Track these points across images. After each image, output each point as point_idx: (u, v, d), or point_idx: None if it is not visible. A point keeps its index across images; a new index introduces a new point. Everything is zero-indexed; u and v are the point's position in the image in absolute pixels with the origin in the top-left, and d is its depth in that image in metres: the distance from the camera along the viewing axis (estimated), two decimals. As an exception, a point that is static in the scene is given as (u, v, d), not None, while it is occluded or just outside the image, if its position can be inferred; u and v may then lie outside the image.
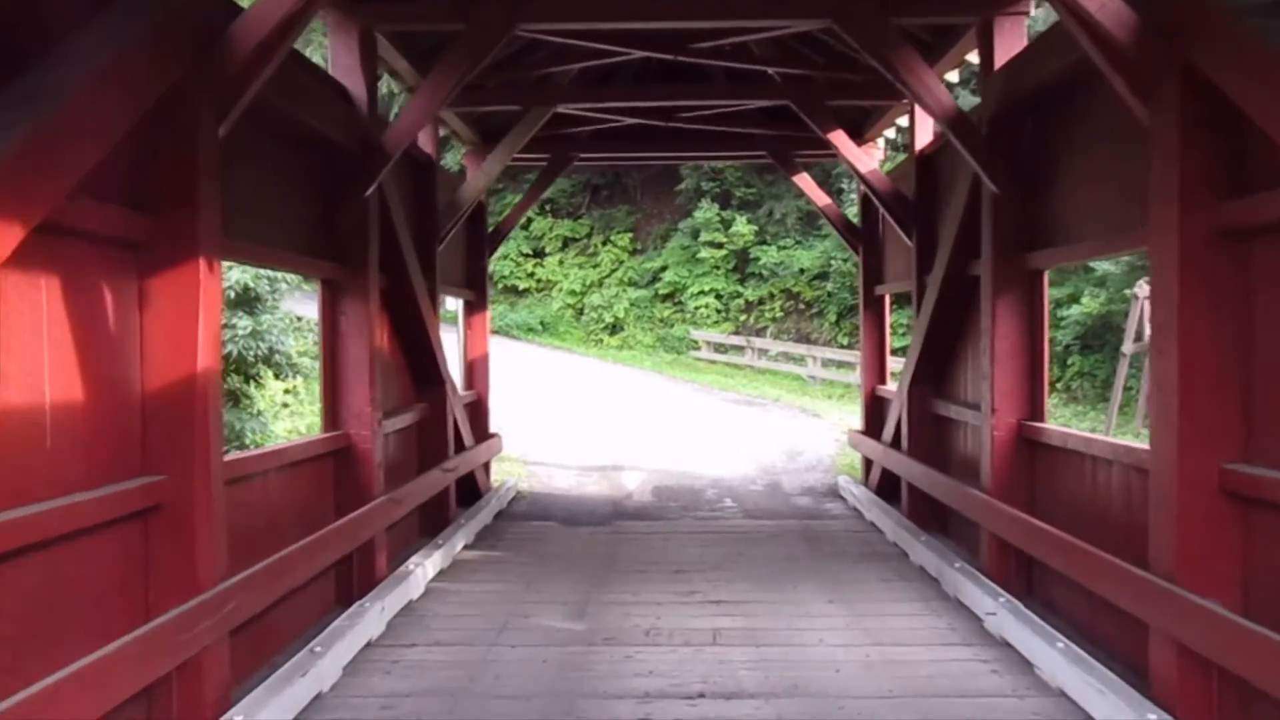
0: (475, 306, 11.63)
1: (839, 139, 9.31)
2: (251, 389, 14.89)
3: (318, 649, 5.19)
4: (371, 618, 5.95)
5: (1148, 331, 16.01)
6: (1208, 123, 4.21)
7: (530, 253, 30.23)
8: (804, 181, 11.73)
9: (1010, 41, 6.84)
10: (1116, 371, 16.12)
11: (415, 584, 6.93)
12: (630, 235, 29.88)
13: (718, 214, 27.16)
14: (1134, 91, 4.54)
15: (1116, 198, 5.46)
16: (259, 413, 14.95)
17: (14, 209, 3.14)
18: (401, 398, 8.42)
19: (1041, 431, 6.52)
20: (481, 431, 11.39)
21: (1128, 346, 15.84)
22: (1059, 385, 19.23)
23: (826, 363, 23.21)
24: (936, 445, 8.87)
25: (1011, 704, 4.91)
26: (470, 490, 10.14)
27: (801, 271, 25.91)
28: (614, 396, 20.30)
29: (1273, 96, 3.67)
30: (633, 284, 28.83)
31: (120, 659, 3.67)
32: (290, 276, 13.40)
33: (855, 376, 21.66)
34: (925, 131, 9.36)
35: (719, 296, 27.29)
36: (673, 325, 27.74)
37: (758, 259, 26.63)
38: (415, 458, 8.74)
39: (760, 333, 26.39)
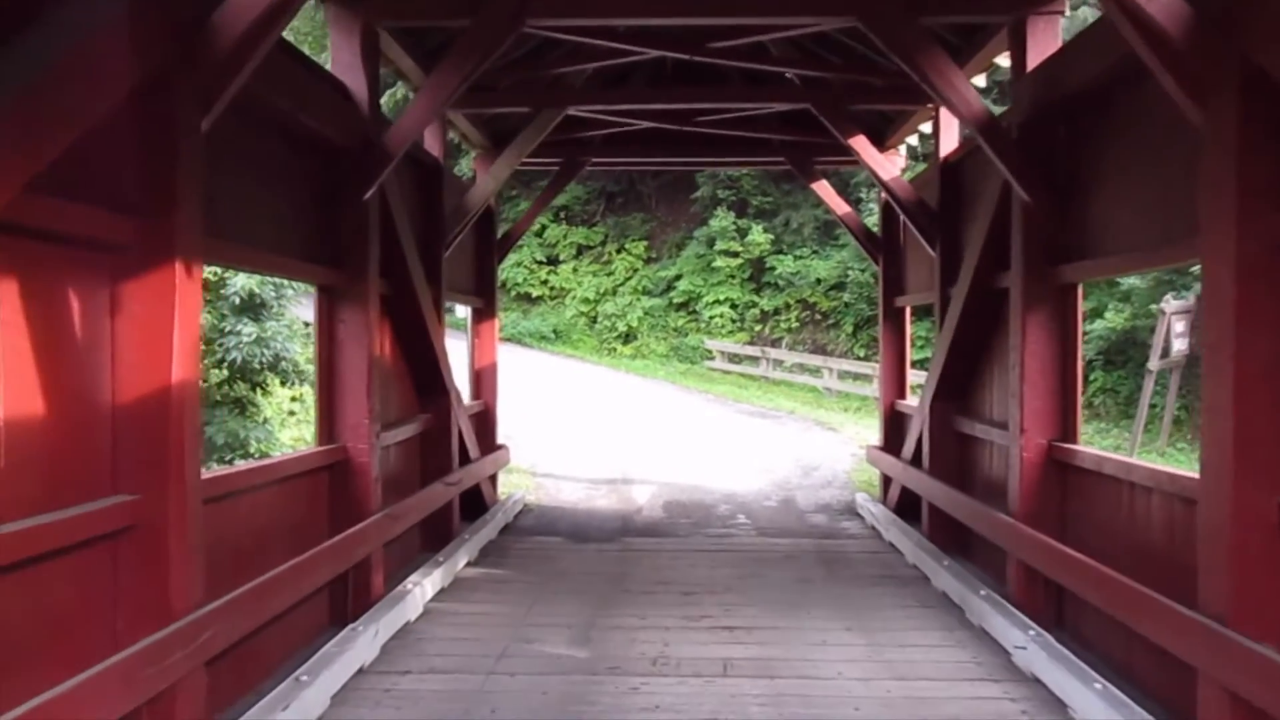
0: (484, 314, 11.34)
1: (860, 144, 8.99)
2: (258, 397, 14.68)
3: (304, 677, 4.88)
4: (364, 642, 5.64)
5: (1175, 348, 15.65)
6: (1268, 124, 3.87)
7: (544, 260, 29.98)
8: (823, 189, 11.39)
9: (1044, 42, 6.50)
10: (1142, 388, 15.68)
11: (413, 604, 6.63)
12: (645, 243, 29.58)
13: (733, 222, 26.84)
14: (1186, 91, 4.20)
15: (1160, 207, 5.12)
16: (265, 421, 14.72)
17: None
18: (403, 408, 8.13)
19: (1074, 454, 6.16)
20: (488, 443, 11.08)
21: (1154, 363, 15.43)
22: (1080, 401, 18.79)
23: (843, 374, 22.82)
24: (959, 464, 8.51)
25: (1045, 750, 4.57)
26: (476, 503, 9.83)
27: (818, 282, 25.54)
28: (626, 406, 19.98)
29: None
30: (647, 292, 28.52)
31: (84, 694, 3.37)
32: (297, 283, 13.18)
33: (872, 389, 21.31)
34: (950, 138, 9.04)
35: (734, 306, 26.94)
36: (687, 335, 27.40)
37: (774, 268, 26.28)
38: (417, 471, 8.44)
39: (775, 343, 26.02)
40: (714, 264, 27.05)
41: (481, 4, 6.39)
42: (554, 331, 28.81)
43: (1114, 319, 17.85)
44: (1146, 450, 15.71)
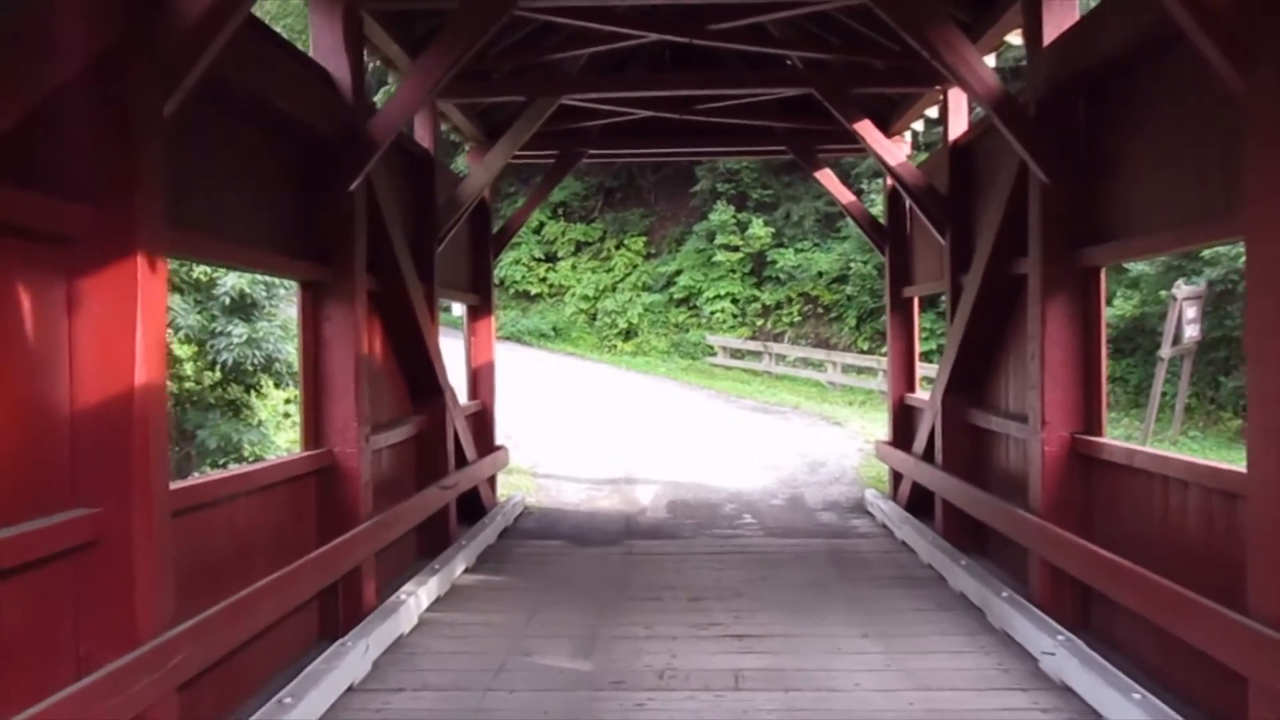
0: (480, 311, 11.02)
1: (866, 129, 8.67)
2: (252, 399, 14.39)
3: (287, 699, 4.58)
4: (354, 658, 5.33)
5: (1186, 334, 15.33)
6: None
7: (542, 257, 29.67)
8: (826, 178, 11.07)
9: (1060, 15, 6.17)
10: (1154, 377, 15.36)
11: (407, 615, 6.32)
12: (644, 239, 29.26)
13: (733, 216, 26.51)
14: (1227, 56, 3.88)
15: (1195, 183, 4.80)
16: (260, 423, 14.42)
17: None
18: (396, 410, 7.82)
19: (1100, 447, 5.85)
20: (486, 444, 10.77)
21: (1165, 350, 15.11)
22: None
23: (846, 368, 22.50)
24: (973, 459, 8.20)
25: (1081, 766, 4.26)
26: (474, 507, 9.53)
27: (820, 274, 25.20)
28: (627, 404, 19.67)
29: None
30: (647, 288, 28.20)
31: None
32: (289, 282, 12.87)
33: (876, 383, 21.02)
34: (958, 121, 8.73)
35: (735, 301, 26.61)
36: (688, 330, 27.08)
37: (775, 262, 25.95)
38: (412, 474, 8.13)
39: (778, 337, 25.70)
40: (714, 258, 26.72)
41: (470, -16, 6.08)
42: (553, 329, 28.50)
43: (1123, 306, 17.53)
44: (1159, 439, 15.40)
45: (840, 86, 8.61)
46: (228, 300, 12.79)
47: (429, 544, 8.11)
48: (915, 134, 11.24)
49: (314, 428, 6.15)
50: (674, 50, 8.96)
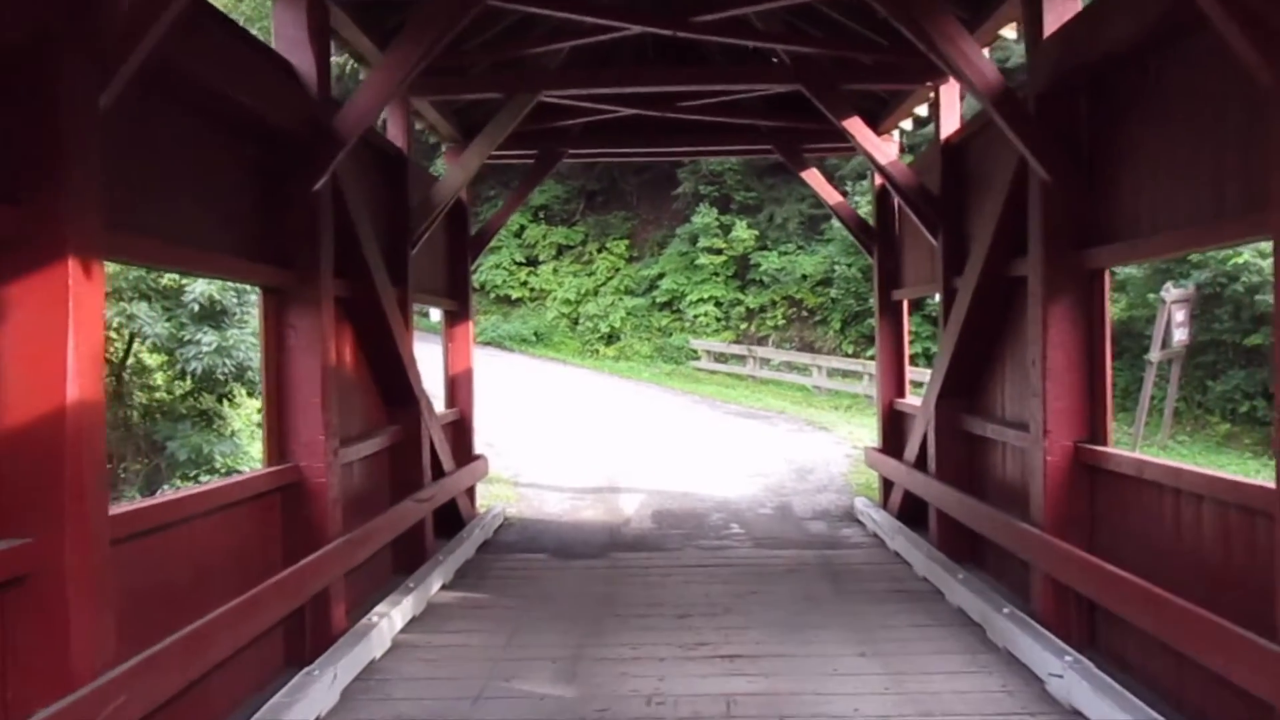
0: (457, 317, 10.67)
1: (855, 126, 8.39)
2: (225, 409, 13.99)
3: (245, 738, 4.24)
4: (320, 689, 4.98)
5: (1175, 338, 15.16)
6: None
7: (523, 261, 29.34)
8: (813, 178, 10.79)
9: (1062, 6, 5.90)
10: (1142, 381, 15.18)
11: (379, 639, 5.97)
12: (626, 242, 28.98)
13: (717, 219, 26.26)
14: (1253, 43, 3.61)
15: (1209, 181, 4.54)
16: (233, 434, 14.01)
17: None
18: (368, 420, 7.48)
19: (1106, 457, 5.57)
20: (465, 453, 10.43)
21: (1154, 354, 14.94)
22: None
23: (832, 372, 22.25)
24: (968, 467, 7.94)
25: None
26: (452, 519, 9.19)
27: (804, 278, 24.97)
28: (611, 409, 19.35)
29: None
30: (629, 292, 27.91)
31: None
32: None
33: (862, 387, 20.78)
34: (951, 118, 8.46)
35: (719, 304, 26.35)
36: (671, 334, 26.80)
37: (759, 265, 25.71)
38: (386, 488, 7.78)
39: (762, 341, 25.44)
40: (697, 261, 26.46)
41: (441, -28, 5.76)
42: (535, 334, 28.16)
43: (1110, 309, 17.35)
44: (1147, 444, 15.22)
45: (828, 82, 8.33)
46: (197, 307, 12.40)
47: (405, 560, 7.77)
48: (903, 132, 11.01)
49: (278, 442, 5.81)
50: (657, 45, 8.67)
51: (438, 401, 10.74)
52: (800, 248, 25.70)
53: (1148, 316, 16.26)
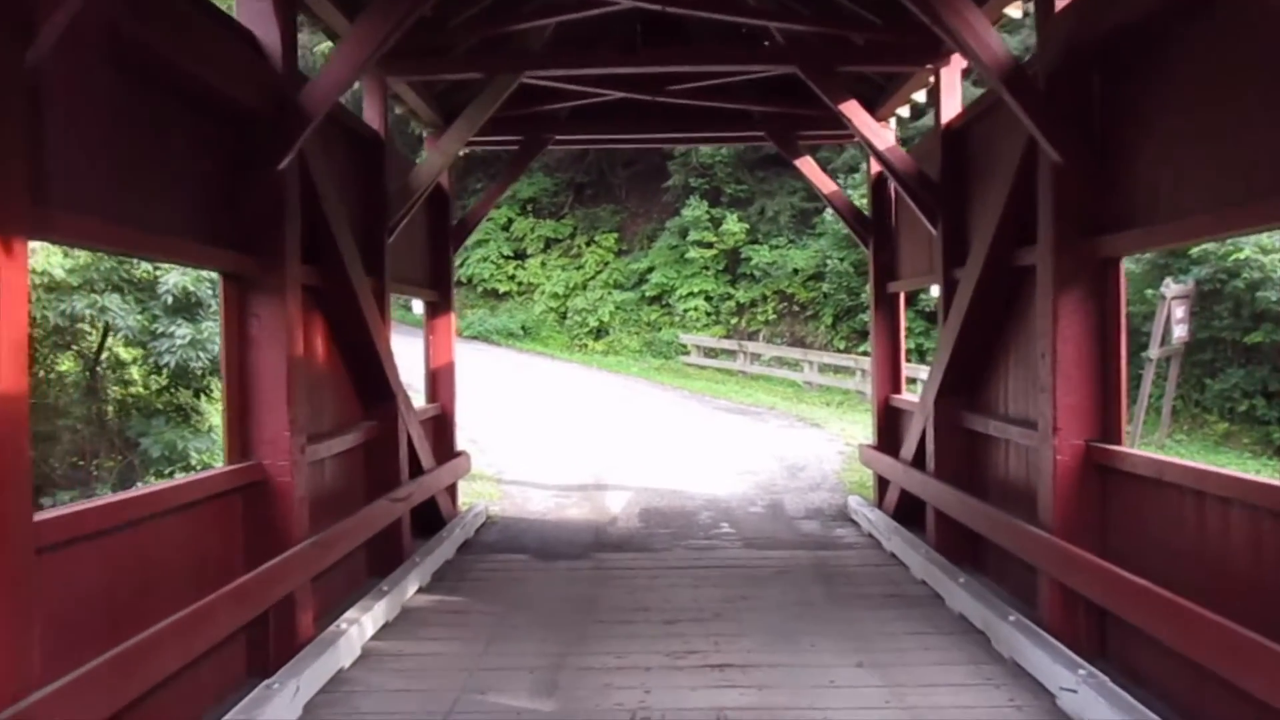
0: (439, 308, 10.30)
1: (852, 110, 8.05)
2: (202, 404, 13.59)
3: (193, 762, 3.89)
4: (281, 703, 4.64)
5: (1175, 335, 14.88)
6: None
7: (510, 254, 28.93)
8: (807, 166, 10.45)
9: (1075, -23, 5.58)
10: (1140, 378, 14.89)
11: (348, 647, 5.63)
12: (615, 235, 28.60)
13: (707, 212, 25.89)
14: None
15: (1239, 161, 4.21)
16: (210, 429, 13.60)
17: None
18: (342, 416, 7.11)
19: (1121, 457, 5.26)
20: (446, 450, 10.08)
21: (1153, 351, 14.65)
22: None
23: (824, 368, 21.93)
24: (968, 466, 7.62)
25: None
26: (432, 518, 8.83)
27: (795, 272, 24.62)
28: (599, 405, 18.99)
29: None
30: (618, 286, 27.52)
31: None
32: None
33: (854, 383, 20.48)
34: (952, 103, 8.12)
35: (709, 298, 25.99)
36: (660, 329, 26.43)
37: (749, 259, 25.35)
38: (361, 486, 7.43)
39: (753, 336, 25.11)
40: (687, 255, 26.09)
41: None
42: (522, 328, 27.77)
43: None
44: (1146, 443, 14.93)
45: (824, 64, 7.99)
46: (170, 299, 11.98)
47: (380, 562, 7.42)
48: (900, 121, 10.68)
49: (240, 438, 5.45)
50: (646, 24, 8.29)
51: (419, 397, 10.40)
52: (791, 241, 25.37)
53: (1145, 313, 15.96)
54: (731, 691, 5.12)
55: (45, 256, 11.73)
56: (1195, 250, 15.14)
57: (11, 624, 3.09)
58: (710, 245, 25.82)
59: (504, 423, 16.43)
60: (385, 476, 7.61)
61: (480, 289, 28.73)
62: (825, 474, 12.49)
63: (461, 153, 22.03)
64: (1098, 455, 5.44)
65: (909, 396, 10.08)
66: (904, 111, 9.83)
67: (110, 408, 14.13)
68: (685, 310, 26.01)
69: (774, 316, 25.13)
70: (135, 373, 14.24)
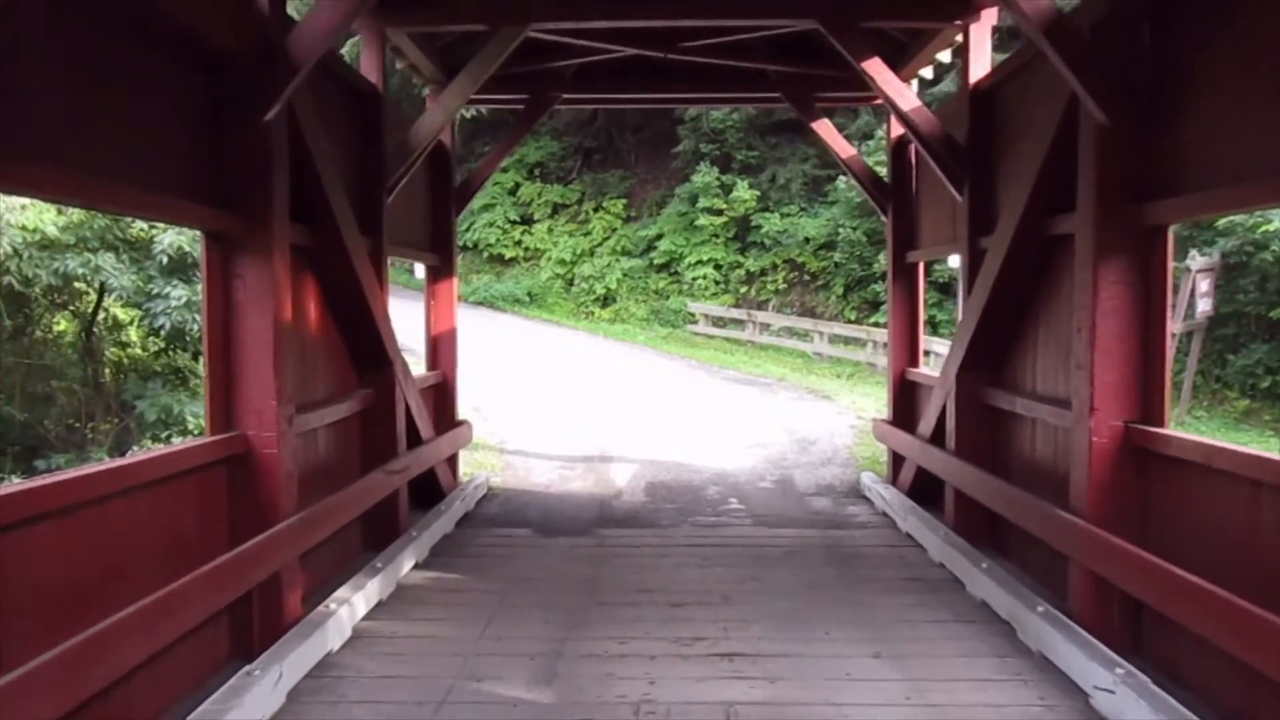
0: (441, 273, 9.93)
1: (875, 68, 7.61)
2: (199, 366, 13.29)
3: (160, 760, 3.59)
4: (261, 692, 4.35)
5: (1199, 309, 14.47)
6: None
7: (517, 219, 28.54)
8: (824, 129, 10.01)
9: (1123, -80, 5.14)
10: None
11: (337, 628, 5.34)
12: (624, 201, 28.17)
13: (717, 178, 25.42)
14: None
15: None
16: (209, 392, 13.31)
17: None
18: (335, 384, 6.78)
19: (1164, 440, 4.90)
20: (447, 419, 9.76)
21: (1176, 325, 14.23)
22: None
23: (834, 339, 21.55)
24: (991, 444, 7.27)
25: None
26: (431, 490, 8.53)
27: (806, 240, 24.18)
28: (604, 374, 18.67)
29: None
30: (626, 253, 27.12)
31: None
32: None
33: (865, 354, 20.12)
34: (980, 62, 7.68)
35: (718, 267, 25.58)
36: (668, 297, 26.05)
37: (759, 227, 24.90)
38: (356, 457, 7.12)
39: (762, 306, 24.71)
40: (697, 222, 25.65)
41: None
42: (528, 295, 27.42)
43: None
44: (1165, 419, 14.55)
45: (848, 19, 7.53)
46: (165, 259, 11.66)
47: (376, 536, 7.13)
48: (922, 83, 10.24)
49: (223, 408, 5.11)
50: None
51: (420, 364, 10.07)
52: (803, 210, 24.90)
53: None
54: (741, 684, 4.82)
55: (38, 214, 11.42)
56: (1221, 221, 14.69)
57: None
58: (720, 213, 25.38)
59: (508, 390, 16.12)
60: (381, 447, 7.29)
61: (486, 254, 28.36)
62: (836, 448, 12.16)
63: (468, 114, 21.53)
64: (1138, 438, 5.08)
65: (927, 370, 9.72)
66: (927, 73, 9.40)
67: (107, 370, 13.87)
68: (694, 279, 25.62)
69: (784, 286, 24.72)
70: (134, 334, 13.96)
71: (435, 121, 7.77)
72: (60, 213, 11.61)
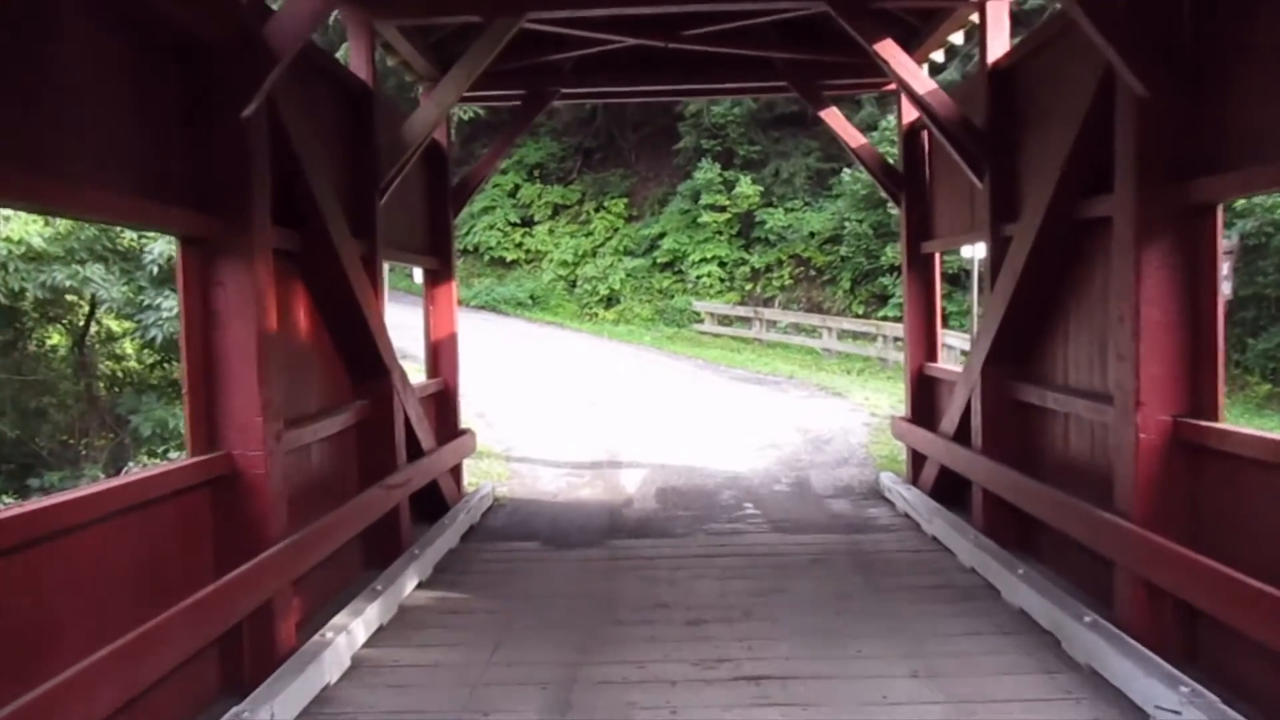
0: (439, 276, 9.59)
1: (888, 50, 7.26)
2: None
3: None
4: (250, 734, 4.00)
5: (1224, 291, 14.09)
6: None
7: (518, 221, 28.18)
8: (833, 117, 9.65)
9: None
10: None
11: (334, 659, 4.99)
12: (625, 200, 27.80)
13: (719, 174, 25.04)
14: None
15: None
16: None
17: None
18: (329, 396, 6.45)
19: (1220, 435, 4.55)
20: (449, 428, 9.41)
21: (1196, 310, 13.84)
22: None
23: (843, 334, 21.17)
24: (1020, 442, 6.92)
25: None
26: (434, 503, 8.18)
27: (812, 235, 23.80)
28: (610, 375, 18.32)
29: None
30: (629, 253, 26.75)
31: None
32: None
33: (875, 349, 19.75)
34: (999, 41, 7.33)
35: (722, 264, 25.19)
36: (673, 296, 25.67)
37: (764, 222, 24.52)
38: (353, 472, 6.78)
39: (768, 303, 24.34)
40: (700, 220, 25.28)
41: None
42: (531, 297, 27.06)
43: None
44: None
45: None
46: (156, 270, 11.32)
47: (377, 554, 6.79)
48: (933, 67, 9.87)
49: (205, 426, 4.77)
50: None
51: (419, 371, 9.74)
52: (807, 204, 24.53)
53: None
54: (770, 710, 4.47)
55: (23, 225, 11.09)
56: (1239, 203, 14.31)
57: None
58: (723, 209, 25.00)
59: (512, 395, 15.78)
60: (380, 461, 6.95)
61: (487, 257, 28.02)
62: (852, 447, 11.80)
63: (465, 115, 21.16)
64: (1188, 433, 4.74)
65: (946, 364, 9.36)
66: (938, 56, 9.05)
67: (101, 384, 13.55)
68: (698, 277, 25.25)
69: (790, 282, 24.35)
70: (128, 346, 13.64)
71: (429, 118, 7.43)
72: (47, 224, 11.29)
